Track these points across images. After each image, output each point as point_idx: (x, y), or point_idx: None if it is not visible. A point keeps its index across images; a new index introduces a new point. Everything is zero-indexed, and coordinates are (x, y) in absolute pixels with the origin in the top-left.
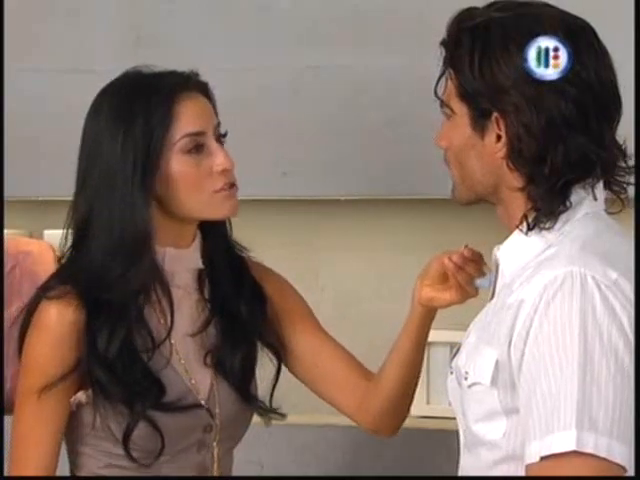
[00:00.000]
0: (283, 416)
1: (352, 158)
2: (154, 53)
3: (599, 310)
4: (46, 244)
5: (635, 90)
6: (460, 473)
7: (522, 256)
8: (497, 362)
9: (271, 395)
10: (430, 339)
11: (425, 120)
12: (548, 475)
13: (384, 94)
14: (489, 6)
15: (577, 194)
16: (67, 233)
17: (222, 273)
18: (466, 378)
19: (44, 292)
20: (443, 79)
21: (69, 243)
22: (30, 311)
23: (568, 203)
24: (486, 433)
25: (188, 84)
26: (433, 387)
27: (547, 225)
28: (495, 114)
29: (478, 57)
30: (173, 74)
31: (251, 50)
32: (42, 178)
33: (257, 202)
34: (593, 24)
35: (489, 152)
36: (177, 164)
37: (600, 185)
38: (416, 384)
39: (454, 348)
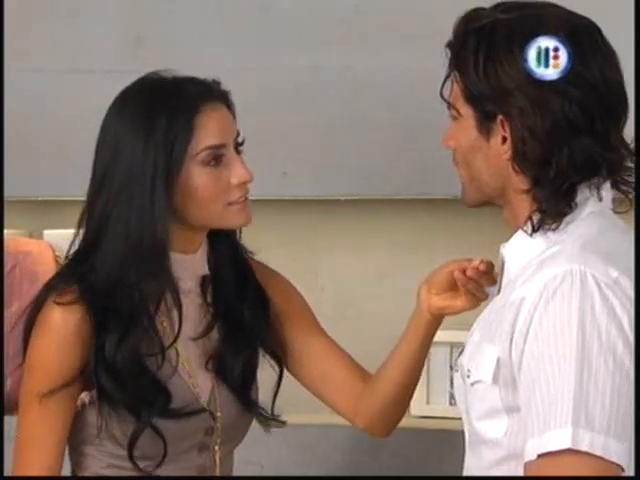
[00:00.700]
0: (283, 423)
1: (352, 158)
2: (154, 53)
3: (598, 309)
4: (46, 244)
5: (635, 90)
6: (464, 473)
7: (526, 254)
8: (498, 360)
9: (272, 403)
10: None
11: (425, 120)
12: (544, 473)
13: (384, 94)
14: (495, 7)
15: (582, 194)
16: (78, 233)
17: (226, 278)
18: (469, 376)
19: (49, 292)
20: (449, 80)
21: (78, 243)
22: (35, 310)
23: (573, 204)
24: (487, 431)
25: (211, 94)
26: (433, 387)
27: (552, 226)
28: (500, 116)
29: (483, 59)
30: (196, 82)
31: (251, 50)
32: (42, 178)
33: (257, 202)
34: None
35: (495, 154)
36: (196, 175)
37: (607, 185)
38: (415, 388)
39: (454, 348)
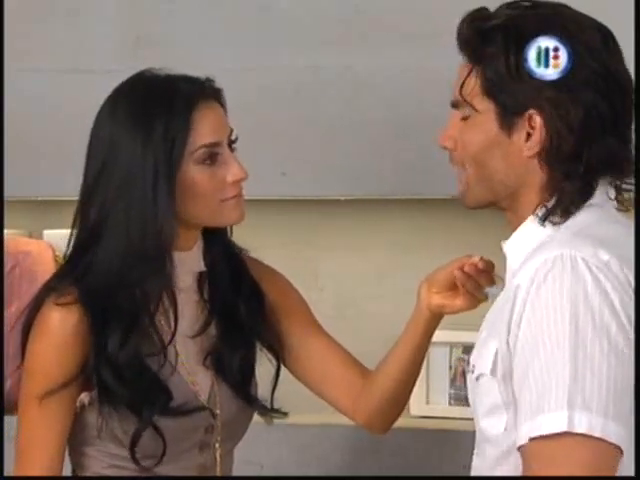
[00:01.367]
0: (285, 414)
1: (352, 158)
2: (154, 53)
3: (590, 290)
4: (45, 244)
5: (635, 91)
6: (472, 474)
7: (525, 247)
8: (497, 351)
9: (272, 396)
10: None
11: (425, 120)
12: (538, 457)
13: (384, 94)
14: (505, 6)
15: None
16: (72, 233)
17: (221, 274)
18: (473, 371)
19: (48, 293)
20: (454, 77)
21: (74, 244)
22: (33, 311)
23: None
24: (490, 428)
25: (205, 91)
26: (433, 387)
27: (557, 220)
28: (531, 111)
29: (514, 54)
30: (189, 79)
31: (251, 50)
32: (42, 178)
33: (257, 202)
34: None
35: (516, 150)
36: (192, 173)
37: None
38: (414, 385)
39: (454, 348)
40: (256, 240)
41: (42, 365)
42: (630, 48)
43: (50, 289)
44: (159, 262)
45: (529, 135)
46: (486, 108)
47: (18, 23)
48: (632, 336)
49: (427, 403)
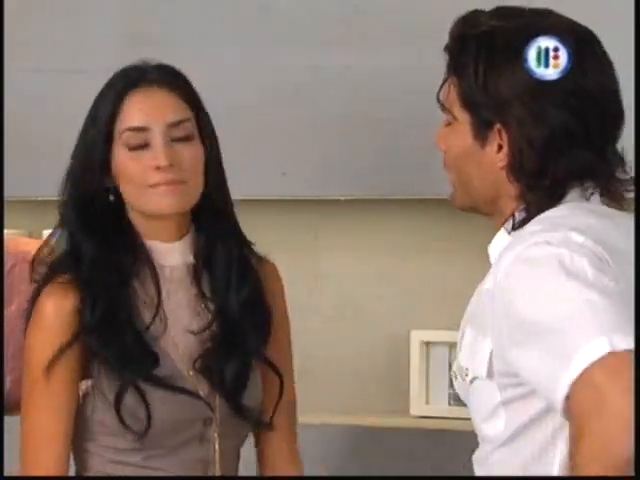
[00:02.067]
0: (267, 425)
1: (352, 158)
2: (154, 53)
3: (567, 259)
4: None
5: (635, 91)
6: (474, 463)
7: (503, 246)
8: (492, 352)
9: (273, 411)
10: (430, 339)
11: (425, 120)
12: (593, 386)
13: (384, 94)
14: (495, 12)
15: (571, 196)
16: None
17: (220, 270)
18: (467, 374)
19: (43, 284)
20: (446, 83)
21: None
22: (31, 305)
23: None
24: (491, 430)
25: (146, 77)
26: (432, 387)
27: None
28: (497, 125)
29: (482, 67)
30: (137, 68)
31: (251, 50)
32: (42, 178)
33: (257, 202)
34: (593, 26)
35: (489, 161)
36: (120, 157)
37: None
38: None
39: (453, 348)
40: (256, 240)
41: (37, 347)
42: (630, 48)
43: (45, 280)
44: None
45: (501, 147)
46: (463, 118)
47: (18, 23)
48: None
49: (427, 403)
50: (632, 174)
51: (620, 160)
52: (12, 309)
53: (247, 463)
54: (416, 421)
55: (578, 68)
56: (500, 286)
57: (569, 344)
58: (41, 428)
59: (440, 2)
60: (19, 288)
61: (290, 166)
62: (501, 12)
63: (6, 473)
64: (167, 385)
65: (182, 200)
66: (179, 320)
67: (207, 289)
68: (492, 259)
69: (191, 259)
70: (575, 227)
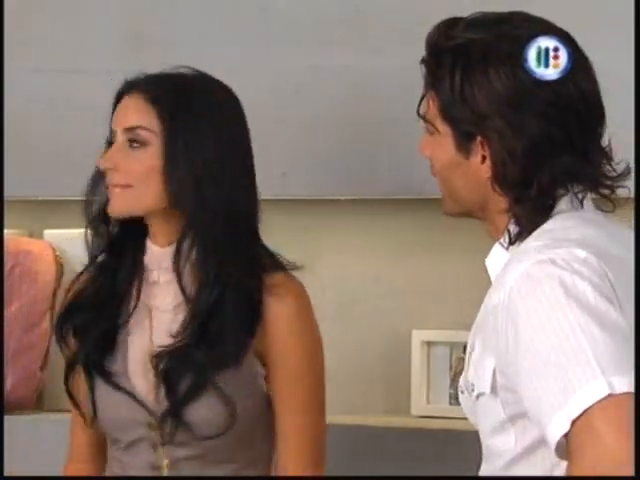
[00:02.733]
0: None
1: (352, 158)
2: (154, 53)
3: (569, 282)
4: (46, 244)
5: (635, 90)
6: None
7: (497, 266)
8: (494, 370)
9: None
10: (430, 338)
11: None
12: (589, 430)
13: (384, 94)
14: (470, 22)
15: (562, 204)
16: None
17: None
18: (473, 390)
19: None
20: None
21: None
22: None
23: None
24: (499, 446)
25: (130, 85)
26: (433, 386)
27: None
28: (479, 137)
29: (459, 81)
30: (138, 75)
31: (251, 50)
32: (42, 178)
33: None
34: (592, 25)
35: (474, 172)
36: None
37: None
38: None
39: (454, 348)
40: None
41: None
42: (630, 48)
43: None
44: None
45: (484, 158)
46: (444, 131)
47: (18, 23)
48: (624, 315)
49: (428, 403)
50: (618, 169)
51: (604, 156)
52: (12, 310)
53: None
54: (417, 421)
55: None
56: (504, 304)
57: (568, 381)
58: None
59: (441, 2)
60: (20, 289)
61: (290, 166)
62: (477, 21)
63: (6, 473)
64: (109, 380)
65: (126, 204)
66: (162, 323)
67: (191, 295)
68: (491, 274)
69: (167, 265)
70: (576, 240)
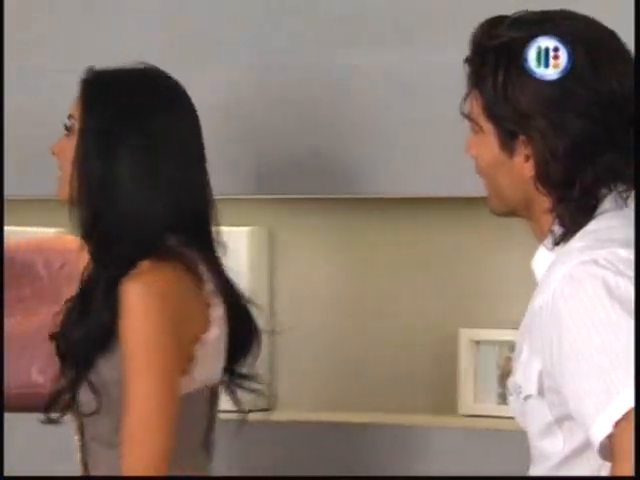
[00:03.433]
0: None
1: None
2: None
3: (612, 282)
4: None
5: (635, 90)
6: None
7: (542, 267)
8: (540, 372)
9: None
10: (479, 338)
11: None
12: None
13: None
14: (514, 20)
15: (606, 204)
16: None
17: None
18: (520, 392)
19: None
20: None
21: None
22: None
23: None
24: (548, 447)
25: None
26: (481, 385)
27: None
28: (522, 137)
29: (502, 80)
30: None
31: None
32: None
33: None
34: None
35: (518, 171)
36: None
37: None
38: None
39: (502, 347)
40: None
41: None
42: (630, 49)
43: None
44: None
45: (528, 157)
46: (488, 129)
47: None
48: None
49: (475, 402)
50: None
51: None
52: (54, 308)
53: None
54: (464, 420)
55: (594, 74)
56: (548, 306)
57: (611, 383)
58: None
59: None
60: (69, 288)
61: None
62: (520, 20)
63: (6, 473)
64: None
65: (58, 187)
66: None
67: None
68: (537, 275)
69: None
70: (620, 240)
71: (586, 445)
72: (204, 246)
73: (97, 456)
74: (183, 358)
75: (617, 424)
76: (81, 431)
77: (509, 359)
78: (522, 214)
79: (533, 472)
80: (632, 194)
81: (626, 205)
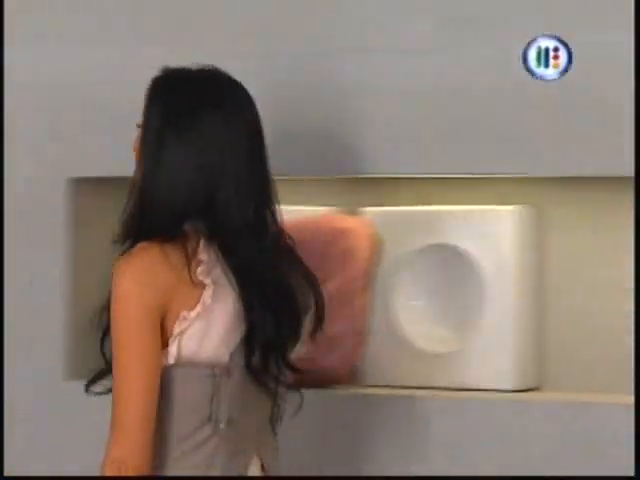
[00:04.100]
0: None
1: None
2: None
3: None
4: (362, 221)
5: (635, 92)
6: None
7: None
8: None
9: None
10: None
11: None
12: None
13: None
14: None
15: None
16: None
17: None
18: None
19: None
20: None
21: None
22: None
23: None
24: None
25: None
26: None
27: None
28: None
29: None
30: None
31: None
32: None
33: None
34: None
35: None
36: None
37: None
38: None
39: None
40: None
41: None
42: (630, 48)
43: None
44: None
45: None
46: None
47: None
48: None
49: None
50: None
51: None
52: (328, 287)
53: None
54: None
55: None
56: None
57: None
58: None
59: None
60: (338, 266)
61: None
62: None
63: (6, 473)
64: None
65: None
66: None
67: None
68: None
69: None
70: None
71: None
72: (219, 233)
73: None
74: (161, 333)
75: None
76: None
77: None
78: None
79: None
80: None
81: None
